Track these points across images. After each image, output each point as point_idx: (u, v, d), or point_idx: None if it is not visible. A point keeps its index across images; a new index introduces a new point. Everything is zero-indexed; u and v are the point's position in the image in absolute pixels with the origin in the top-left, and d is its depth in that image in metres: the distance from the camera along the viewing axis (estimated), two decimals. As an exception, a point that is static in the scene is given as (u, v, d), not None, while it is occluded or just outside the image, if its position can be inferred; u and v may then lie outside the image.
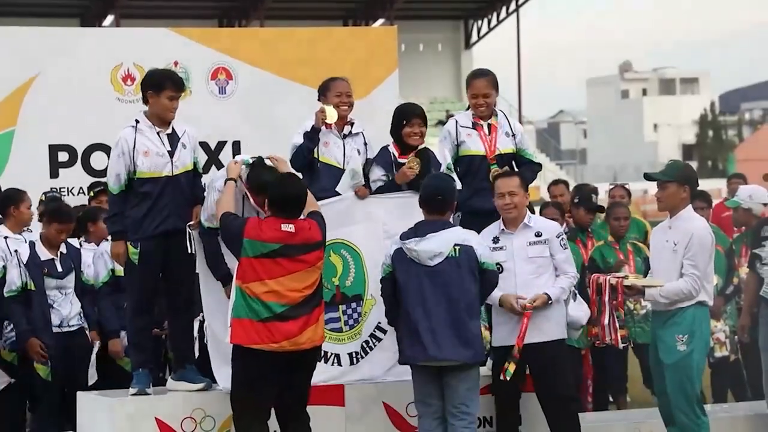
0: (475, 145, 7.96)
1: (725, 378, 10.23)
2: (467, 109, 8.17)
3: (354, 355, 7.75)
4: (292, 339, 6.98)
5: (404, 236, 7.30)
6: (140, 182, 7.46)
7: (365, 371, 7.78)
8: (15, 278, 8.44)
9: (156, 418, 7.31)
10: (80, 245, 8.98)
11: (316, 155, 7.87)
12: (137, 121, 7.53)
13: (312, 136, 7.79)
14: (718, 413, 8.56)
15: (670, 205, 7.64)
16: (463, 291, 7.18)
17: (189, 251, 7.46)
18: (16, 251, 8.51)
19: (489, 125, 8.01)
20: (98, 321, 8.72)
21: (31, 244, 8.54)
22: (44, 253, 8.52)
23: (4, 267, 8.64)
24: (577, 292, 7.74)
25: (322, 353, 7.53)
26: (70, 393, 8.11)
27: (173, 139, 7.56)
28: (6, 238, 8.90)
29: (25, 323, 8.37)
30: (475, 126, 8.00)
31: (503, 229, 7.59)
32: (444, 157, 7.94)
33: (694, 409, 7.52)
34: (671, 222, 7.64)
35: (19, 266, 8.44)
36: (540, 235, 7.54)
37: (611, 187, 11.75)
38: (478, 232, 7.70)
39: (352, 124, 7.99)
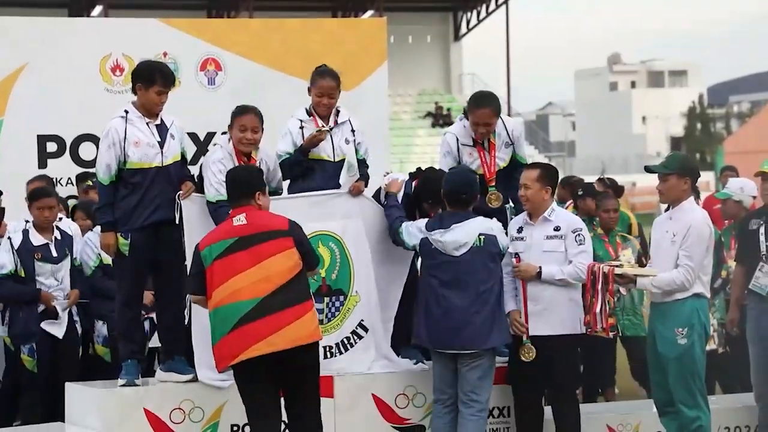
0: (475, 165, 7.98)
1: (713, 370, 10.25)
2: (462, 119, 8.12)
3: (328, 348, 7.69)
4: (266, 339, 6.64)
5: (429, 227, 7.46)
6: (130, 173, 7.44)
7: (342, 367, 7.70)
8: (7, 262, 8.43)
9: (144, 409, 7.30)
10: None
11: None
12: (126, 112, 7.51)
13: (303, 153, 7.72)
14: (713, 404, 8.57)
15: (672, 197, 7.65)
16: (486, 279, 7.38)
17: (176, 221, 7.38)
18: (9, 238, 8.52)
19: (488, 141, 8.03)
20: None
21: (25, 232, 8.54)
22: (37, 239, 8.52)
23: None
24: None
25: None
26: (57, 384, 8.10)
27: (162, 129, 7.54)
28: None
29: (23, 287, 8.40)
30: (475, 144, 8.03)
31: (527, 221, 7.70)
32: (443, 167, 7.95)
33: (698, 402, 7.54)
34: (672, 213, 7.65)
35: (12, 252, 8.43)
36: (558, 230, 7.61)
37: (596, 180, 11.75)
38: None
39: (338, 113, 7.94)
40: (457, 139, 8.02)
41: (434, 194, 7.62)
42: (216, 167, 7.46)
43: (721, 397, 9.48)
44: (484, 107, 7.93)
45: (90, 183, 9.81)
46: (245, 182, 6.93)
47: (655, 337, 7.67)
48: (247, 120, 7.57)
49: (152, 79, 7.45)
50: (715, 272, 9.95)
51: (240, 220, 6.81)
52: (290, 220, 6.93)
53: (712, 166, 44.07)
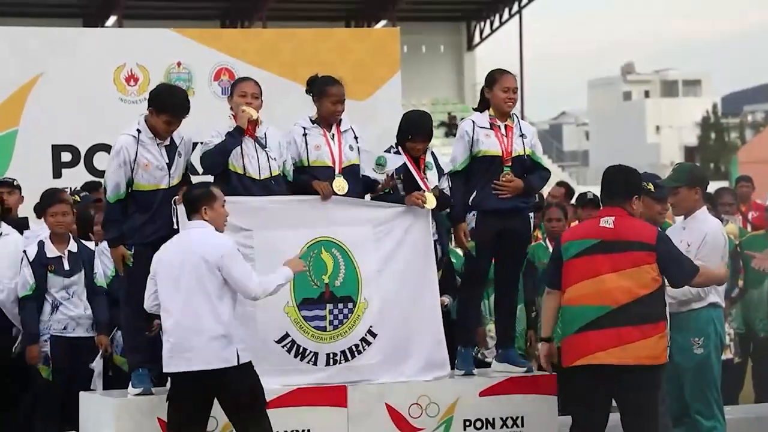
0: (493, 145, 7.98)
1: (729, 381, 10.22)
2: (478, 109, 8.16)
3: (332, 356, 7.66)
4: (608, 350, 6.60)
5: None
6: (138, 194, 7.46)
7: (348, 375, 7.66)
8: (28, 278, 8.44)
9: (158, 419, 7.30)
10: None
11: (307, 161, 7.79)
12: (139, 132, 7.47)
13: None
14: (728, 415, 8.54)
15: (685, 209, 7.63)
16: None
17: (174, 226, 7.37)
18: (24, 251, 8.53)
19: (505, 126, 8.05)
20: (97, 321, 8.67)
21: (40, 243, 8.54)
22: (52, 251, 8.52)
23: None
24: None
25: (300, 349, 7.53)
26: (72, 393, 8.10)
27: (171, 150, 7.54)
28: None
29: (34, 328, 8.38)
30: (492, 126, 8.03)
31: None
32: (454, 152, 7.97)
33: (714, 412, 7.52)
34: (685, 223, 7.64)
35: (30, 266, 8.44)
36: None
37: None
38: (491, 233, 7.83)
39: (339, 122, 7.94)
40: (473, 123, 8.04)
41: (414, 129, 7.84)
42: (212, 137, 7.53)
43: (736, 408, 9.45)
44: (509, 73, 8.04)
45: (77, 198, 9.75)
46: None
47: (671, 347, 7.64)
48: (246, 86, 7.67)
49: (162, 109, 7.43)
50: (732, 281, 9.95)
51: (608, 222, 6.78)
52: (660, 232, 6.83)
53: (726, 176, 43.93)
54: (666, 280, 6.92)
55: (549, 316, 7.10)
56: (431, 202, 7.82)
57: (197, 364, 6.80)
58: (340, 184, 7.71)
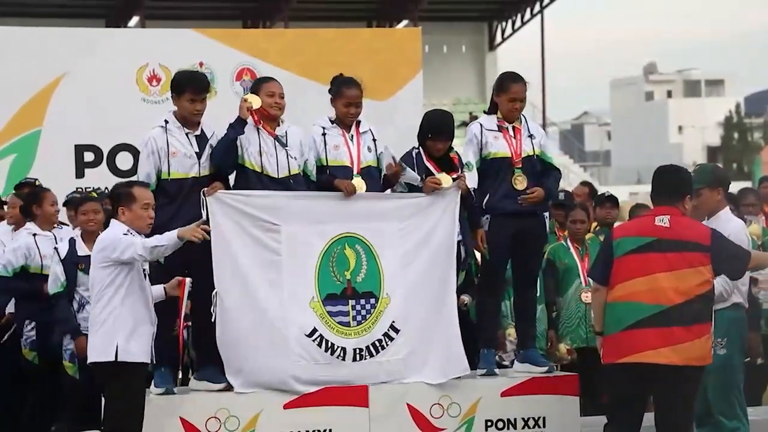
0: (502, 147, 8.00)
1: (753, 382, 10.17)
2: (488, 112, 8.18)
3: (358, 351, 7.67)
4: (657, 349, 6.64)
5: None
6: (168, 183, 7.48)
7: (376, 371, 7.67)
8: (59, 274, 8.50)
9: (180, 418, 7.33)
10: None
11: (325, 160, 7.80)
12: (166, 122, 7.56)
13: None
14: (751, 416, 8.51)
15: (708, 210, 7.61)
16: None
17: (203, 217, 7.39)
18: (56, 248, 8.59)
19: (513, 128, 8.05)
20: None
21: (71, 241, 8.61)
22: (83, 249, 8.58)
23: (22, 266, 8.78)
24: None
25: (329, 344, 7.54)
26: (95, 392, 8.14)
27: (202, 140, 7.58)
28: (35, 235, 8.99)
29: (74, 321, 8.45)
30: (500, 129, 8.03)
31: None
32: (465, 155, 8.00)
33: (737, 413, 7.49)
34: (708, 224, 7.60)
35: (61, 263, 8.49)
36: None
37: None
38: (506, 235, 7.82)
39: (358, 123, 7.96)
40: (481, 126, 8.06)
41: (434, 129, 7.86)
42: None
43: (759, 409, 9.41)
44: (520, 82, 8.06)
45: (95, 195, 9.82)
46: None
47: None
48: (274, 86, 7.72)
49: (182, 88, 7.53)
50: (754, 282, 9.89)
51: (663, 221, 6.75)
52: (714, 232, 6.80)
53: (749, 176, 43.73)
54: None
55: (600, 311, 6.97)
56: (446, 181, 7.82)
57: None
58: (359, 184, 7.72)
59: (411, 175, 7.85)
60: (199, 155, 7.52)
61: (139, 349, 6.95)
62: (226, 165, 7.61)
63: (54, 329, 8.67)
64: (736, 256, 6.89)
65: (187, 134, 7.53)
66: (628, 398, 6.81)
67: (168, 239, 6.90)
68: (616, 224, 9.39)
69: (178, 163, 7.47)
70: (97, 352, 6.92)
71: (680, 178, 6.96)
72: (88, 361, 7.02)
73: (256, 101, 7.57)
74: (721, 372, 7.48)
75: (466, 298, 8.53)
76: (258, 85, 7.81)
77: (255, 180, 7.60)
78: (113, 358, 6.86)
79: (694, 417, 7.07)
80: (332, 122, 7.92)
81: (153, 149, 7.48)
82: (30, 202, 9.11)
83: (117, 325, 6.88)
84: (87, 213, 8.65)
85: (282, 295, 7.52)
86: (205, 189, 7.46)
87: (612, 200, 10.40)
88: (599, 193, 10.79)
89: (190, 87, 7.52)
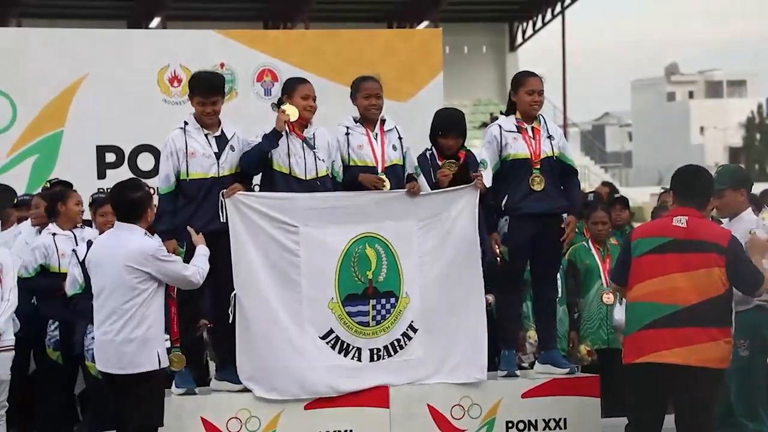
0: (521, 149, 7.98)
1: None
2: (506, 113, 8.16)
3: (375, 351, 7.67)
4: (672, 350, 6.60)
5: None
6: (187, 183, 7.50)
7: (393, 373, 7.66)
8: (78, 276, 8.52)
9: (201, 418, 7.35)
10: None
11: (348, 160, 7.80)
12: (186, 123, 7.58)
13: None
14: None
15: (731, 211, 7.59)
16: None
17: (222, 220, 7.41)
18: (74, 251, 8.61)
19: (532, 128, 8.03)
20: None
21: (89, 243, 8.62)
22: None
23: (42, 265, 8.80)
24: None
25: (345, 345, 7.54)
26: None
27: (221, 141, 7.59)
28: (54, 235, 9.02)
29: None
30: (519, 130, 8.01)
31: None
32: (481, 154, 7.99)
33: (759, 414, 7.45)
34: (731, 225, 7.57)
35: (79, 265, 8.51)
36: None
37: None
38: (526, 236, 7.79)
39: (383, 122, 7.95)
40: (500, 127, 8.04)
41: (444, 126, 7.86)
42: (256, 136, 7.54)
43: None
44: (534, 76, 8.04)
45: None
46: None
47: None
48: (308, 89, 7.71)
49: (193, 91, 7.56)
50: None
51: (681, 221, 6.74)
52: (733, 238, 6.75)
53: (771, 177, 43.53)
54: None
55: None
56: (448, 165, 7.81)
57: None
58: (291, 111, 7.63)
59: (423, 185, 7.84)
60: (218, 155, 7.54)
61: (165, 351, 7.02)
62: (253, 171, 7.65)
63: (75, 329, 8.69)
64: (747, 271, 6.77)
65: (206, 135, 7.55)
66: (648, 399, 6.79)
67: (204, 262, 7.15)
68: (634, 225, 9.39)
69: (197, 164, 7.49)
70: (142, 362, 6.84)
71: (701, 179, 6.94)
72: (135, 371, 6.85)
73: (294, 113, 7.54)
74: (742, 373, 7.45)
75: (489, 297, 8.51)
76: (292, 86, 7.75)
77: (282, 182, 7.60)
78: (158, 366, 6.89)
79: (715, 419, 7.03)
80: (356, 121, 7.91)
81: (172, 150, 7.50)
82: (56, 200, 9.15)
83: (154, 333, 6.90)
84: (105, 214, 8.67)
85: (300, 296, 7.52)
86: (224, 191, 7.47)
87: (622, 202, 10.37)
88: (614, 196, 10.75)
89: (198, 89, 7.54)
